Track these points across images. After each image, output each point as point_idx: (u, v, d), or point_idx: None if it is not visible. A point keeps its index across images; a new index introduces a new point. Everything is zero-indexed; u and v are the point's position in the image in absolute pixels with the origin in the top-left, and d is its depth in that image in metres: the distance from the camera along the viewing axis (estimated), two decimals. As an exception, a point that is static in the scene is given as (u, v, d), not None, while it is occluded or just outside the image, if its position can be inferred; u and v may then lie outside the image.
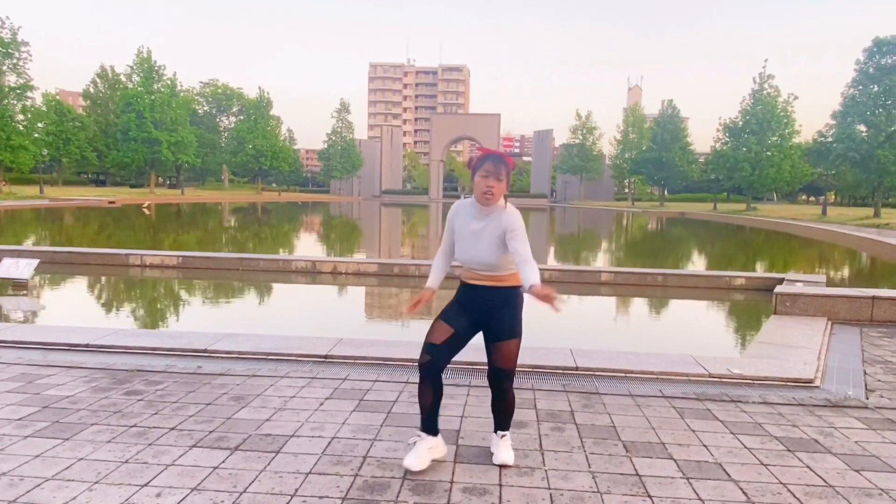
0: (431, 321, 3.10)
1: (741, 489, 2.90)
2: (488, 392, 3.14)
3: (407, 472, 2.96)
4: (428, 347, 3.01)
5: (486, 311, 3.02)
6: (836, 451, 3.41)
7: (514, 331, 3.01)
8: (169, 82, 66.33)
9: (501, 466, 3.06)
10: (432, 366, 2.99)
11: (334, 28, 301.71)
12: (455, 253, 3.11)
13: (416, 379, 4.52)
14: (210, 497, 2.67)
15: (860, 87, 42.36)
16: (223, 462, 3.03)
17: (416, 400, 3.16)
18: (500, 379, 3.05)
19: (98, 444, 3.21)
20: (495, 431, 3.19)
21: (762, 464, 3.20)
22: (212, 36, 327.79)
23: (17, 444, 3.18)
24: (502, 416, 3.15)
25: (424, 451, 2.99)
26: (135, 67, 64.65)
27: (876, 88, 41.58)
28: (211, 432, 3.41)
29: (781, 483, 2.98)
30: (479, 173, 2.91)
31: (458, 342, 3.04)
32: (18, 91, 46.15)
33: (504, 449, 3.13)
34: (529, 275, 2.75)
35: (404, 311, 3.07)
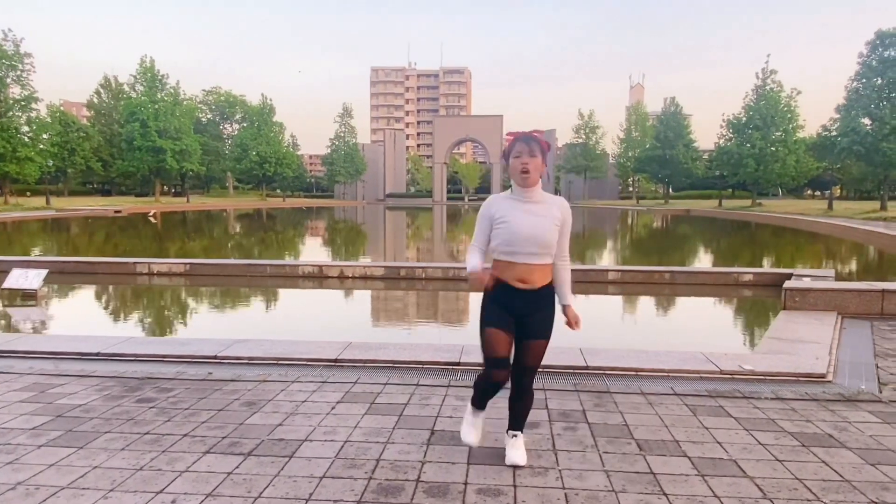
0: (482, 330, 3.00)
1: (757, 485, 2.88)
2: (500, 393, 3.12)
3: (421, 474, 2.96)
4: (500, 363, 2.95)
5: (529, 311, 2.96)
6: (851, 445, 3.39)
7: (548, 332, 3.01)
8: (172, 91, 66.64)
9: (514, 467, 3.05)
10: (504, 378, 3.02)
11: (335, 33, 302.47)
12: (499, 242, 2.91)
13: (427, 381, 4.54)
14: (226, 502, 2.68)
15: (863, 81, 42.16)
16: (237, 467, 3.04)
17: (468, 396, 3.27)
18: (527, 375, 3.04)
19: (112, 451, 3.22)
20: (508, 431, 3.19)
21: (777, 460, 3.18)
22: (212, 44, 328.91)
23: (32, 453, 3.19)
24: (520, 415, 3.14)
25: (480, 426, 3.20)
26: (138, 77, 64.98)
27: (879, 81, 41.37)
28: (224, 438, 3.42)
29: (797, 479, 2.96)
30: (512, 156, 2.90)
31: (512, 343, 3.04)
32: (23, 103, 46.49)
33: (517, 449, 3.12)
34: (568, 290, 3.05)
35: (487, 286, 2.93)
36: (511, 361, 2.99)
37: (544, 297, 2.98)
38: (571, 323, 3.01)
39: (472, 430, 3.18)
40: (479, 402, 3.17)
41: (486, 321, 2.98)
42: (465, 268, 3.06)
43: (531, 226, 2.86)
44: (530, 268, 2.89)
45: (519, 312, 2.95)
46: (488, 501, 2.71)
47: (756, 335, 7.46)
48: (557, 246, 2.96)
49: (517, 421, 3.16)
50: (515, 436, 3.16)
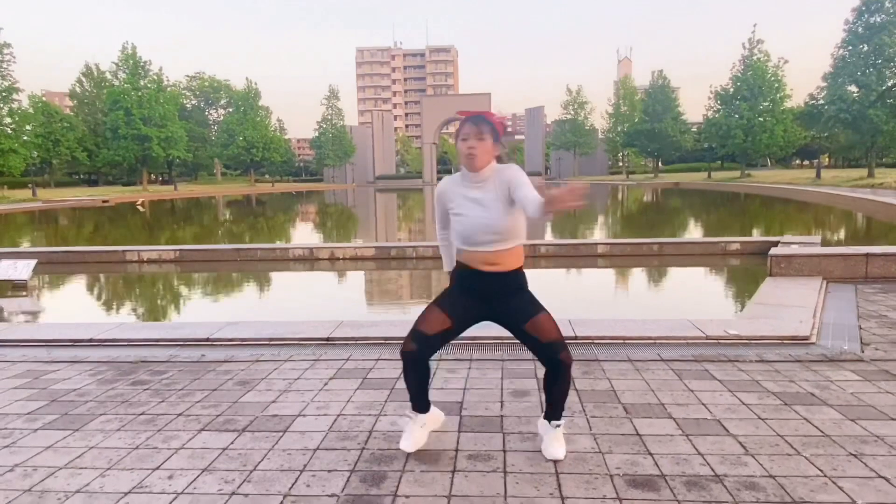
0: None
1: (739, 443, 2.96)
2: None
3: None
4: (416, 336, 2.76)
5: (494, 300, 2.80)
6: (832, 402, 3.48)
7: (539, 306, 2.81)
8: (155, 77, 65.70)
9: (504, 433, 3.12)
10: (418, 356, 2.77)
11: (318, 15, 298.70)
12: (454, 231, 2.83)
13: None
14: (221, 476, 2.73)
15: (850, 48, 42.21)
16: (232, 443, 3.09)
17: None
18: (557, 350, 2.75)
19: (108, 432, 3.26)
20: (548, 420, 2.90)
21: (760, 418, 3.27)
22: (193, 29, 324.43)
23: (28, 436, 3.23)
24: (558, 398, 2.83)
25: (417, 430, 2.91)
26: (120, 64, 63.97)
27: (865, 48, 41.43)
28: (218, 416, 3.47)
29: (779, 435, 3.04)
30: (460, 138, 2.73)
31: (452, 334, 2.85)
32: (4, 94, 45.82)
33: (557, 441, 2.86)
34: (536, 198, 2.53)
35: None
36: (429, 344, 2.77)
37: (512, 281, 2.80)
38: (562, 202, 2.35)
39: (407, 436, 2.91)
40: (415, 404, 2.92)
41: (436, 301, 2.85)
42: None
43: (477, 214, 2.71)
44: (489, 253, 2.74)
45: (485, 300, 2.80)
46: (479, 466, 2.78)
47: (742, 301, 7.56)
48: (523, 197, 2.61)
49: (556, 408, 2.87)
50: (558, 426, 2.87)
